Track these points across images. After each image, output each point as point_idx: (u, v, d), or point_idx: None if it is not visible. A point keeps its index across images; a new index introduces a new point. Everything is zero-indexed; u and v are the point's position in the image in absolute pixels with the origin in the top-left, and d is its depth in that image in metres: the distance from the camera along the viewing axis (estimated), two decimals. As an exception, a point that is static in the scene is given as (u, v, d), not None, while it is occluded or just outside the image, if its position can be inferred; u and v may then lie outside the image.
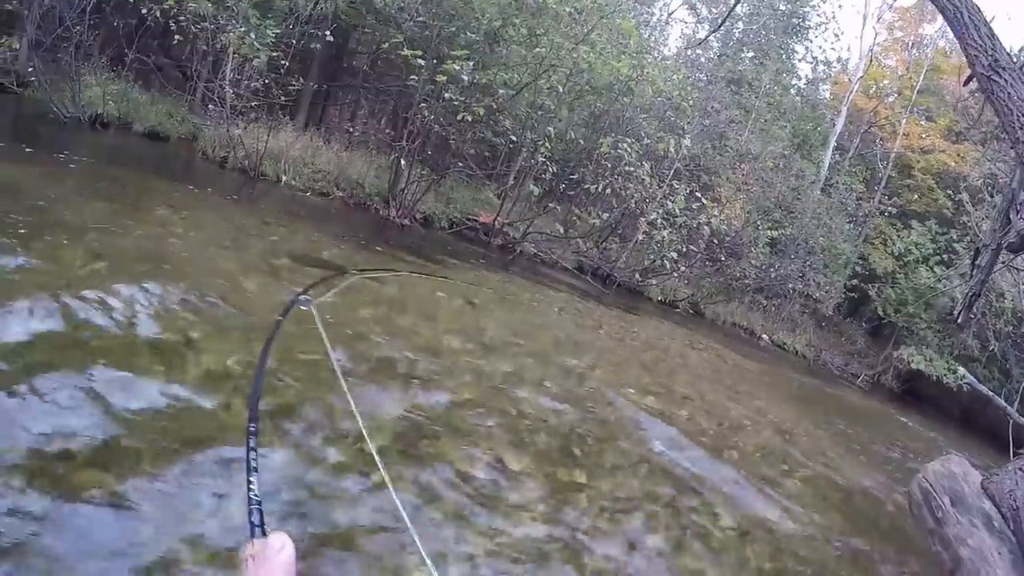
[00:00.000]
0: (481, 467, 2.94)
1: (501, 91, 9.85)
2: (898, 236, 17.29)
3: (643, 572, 2.72)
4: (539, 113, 10.68)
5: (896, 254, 16.88)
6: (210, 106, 9.25)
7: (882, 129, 19.86)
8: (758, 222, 13.15)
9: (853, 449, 6.79)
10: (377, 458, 2.22)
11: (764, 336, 14.14)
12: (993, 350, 16.30)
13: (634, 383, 5.52)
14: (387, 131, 13.92)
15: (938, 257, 17.07)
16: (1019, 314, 15.36)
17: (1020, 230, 3.57)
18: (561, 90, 10.66)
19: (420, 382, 3.64)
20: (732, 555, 3.11)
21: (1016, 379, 16.34)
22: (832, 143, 17.90)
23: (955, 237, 17.12)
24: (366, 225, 9.00)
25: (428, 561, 1.76)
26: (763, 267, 13.34)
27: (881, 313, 16.31)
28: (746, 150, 14.39)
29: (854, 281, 16.44)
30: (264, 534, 0.90)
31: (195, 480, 2.16)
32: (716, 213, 11.38)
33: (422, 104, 9.34)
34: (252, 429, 1.43)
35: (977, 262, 4.19)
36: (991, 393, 5.07)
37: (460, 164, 11.65)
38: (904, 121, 19.12)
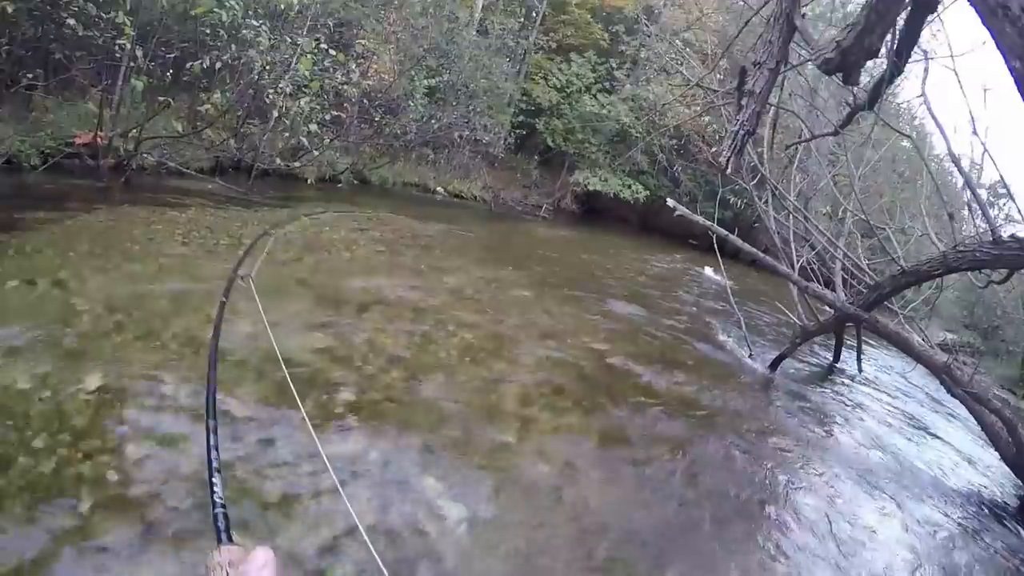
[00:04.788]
0: None
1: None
2: (559, 70, 18.30)
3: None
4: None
5: (558, 87, 17.92)
6: None
7: (531, -34, 20.11)
8: (412, 72, 12.53)
9: (533, 292, 6.92)
10: None
11: (439, 189, 14.17)
12: (661, 162, 18.84)
13: (292, 320, 4.28)
14: None
15: (600, 85, 18.59)
16: (682, 129, 17.68)
17: (840, 40, 2.51)
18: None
19: None
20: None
21: (685, 184, 19.25)
22: (483, -17, 17.66)
23: (614, 65, 18.71)
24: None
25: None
26: (424, 119, 12.96)
27: (551, 144, 17.51)
28: (389, -1, 13.31)
29: (520, 118, 17.14)
30: (231, 540, 0.82)
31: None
32: (355, 67, 10.42)
33: None
34: (211, 426, 1.30)
35: (746, 87, 2.88)
36: (698, 216, 5.28)
37: (29, 76, 8.67)
38: (550, -43, 19.51)
